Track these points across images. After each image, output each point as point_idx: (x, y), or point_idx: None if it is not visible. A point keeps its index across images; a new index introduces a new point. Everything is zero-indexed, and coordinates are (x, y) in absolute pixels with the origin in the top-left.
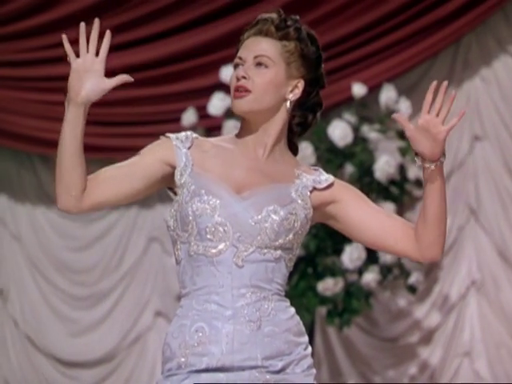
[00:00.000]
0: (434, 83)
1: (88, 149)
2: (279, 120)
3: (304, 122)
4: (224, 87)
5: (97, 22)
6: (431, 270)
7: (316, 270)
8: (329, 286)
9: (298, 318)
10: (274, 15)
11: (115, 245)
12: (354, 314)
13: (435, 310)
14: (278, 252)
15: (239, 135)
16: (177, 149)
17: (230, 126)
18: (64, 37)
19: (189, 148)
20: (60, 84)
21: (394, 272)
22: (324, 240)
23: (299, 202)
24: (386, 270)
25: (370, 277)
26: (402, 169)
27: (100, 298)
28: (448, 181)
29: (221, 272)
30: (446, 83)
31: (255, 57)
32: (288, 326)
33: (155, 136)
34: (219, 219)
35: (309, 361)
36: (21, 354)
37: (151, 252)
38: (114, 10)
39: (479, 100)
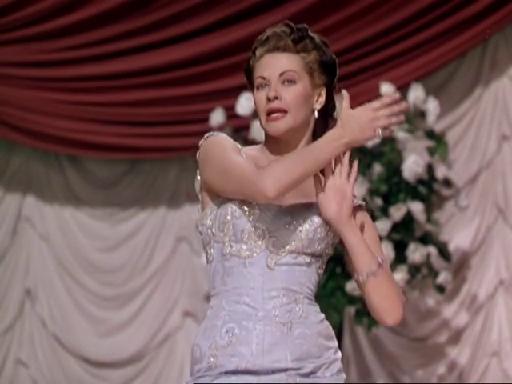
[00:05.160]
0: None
1: (116, 149)
2: (308, 131)
3: (326, 128)
4: None
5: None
6: (459, 269)
7: (344, 270)
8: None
9: (327, 322)
10: (285, 29)
11: (143, 245)
12: None
13: (463, 309)
14: (309, 258)
15: (269, 150)
16: None
17: (258, 126)
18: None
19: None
20: (88, 84)
21: (423, 272)
22: None
23: None
24: (414, 270)
25: (399, 276)
26: (430, 168)
27: (128, 299)
28: (476, 180)
29: (252, 274)
30: (348, 153)
31: (281, 74)
32: (319, 329)
33: (183, 136)
34: (256, 223)
35: (338, 365)
36: (49, 354)
37: (180, 252)
38: (141, 10)
39: (507, 99)
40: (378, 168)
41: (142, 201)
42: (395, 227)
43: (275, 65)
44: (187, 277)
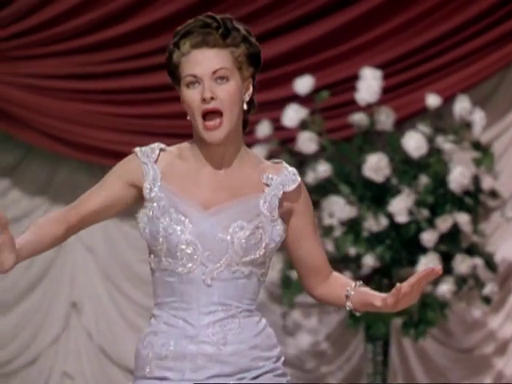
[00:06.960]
0: (430, 270)
1: None
2: (240, 125)
3: (249, 112)
4: (298, 98)
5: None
6: (506, 280)
7: (391, 282)
8: None
9: (269, 330)
10: (210, 21)
11: None
12: (429, 325)
13: (510, 320)
14: (249, 268)
15: (199, 148)
16: (143, 165)
17: (305, 138)
18: None
19: (155, 161)
20: (132, 97)
21: (469, 283)
22: (399, 251)
23: (267, 214)
24: (460, 281)
25: (445, 288)
26: (476, 179)
27: None
28: None
29: (189, 290)
30: (436, 270)
31: (214, 72)
32: (256, 342)
33: None
34: (189, 238)
35: (280, 370)
36: (95, 366)
37: None
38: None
39: None
40: (424, 179)
41: None
42: (442, 238)
43: (207, 62)
44: None
